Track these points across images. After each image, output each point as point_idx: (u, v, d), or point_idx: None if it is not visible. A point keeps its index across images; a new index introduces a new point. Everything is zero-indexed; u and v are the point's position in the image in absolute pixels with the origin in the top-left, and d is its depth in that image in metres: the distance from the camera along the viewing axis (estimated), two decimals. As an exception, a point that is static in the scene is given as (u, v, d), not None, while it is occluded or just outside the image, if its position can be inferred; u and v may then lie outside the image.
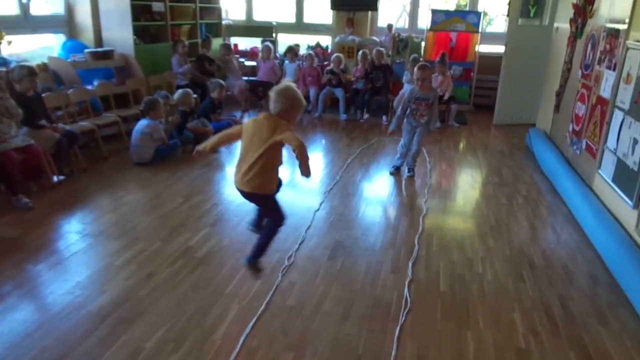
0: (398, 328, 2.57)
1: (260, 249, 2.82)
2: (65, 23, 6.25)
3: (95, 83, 5.72)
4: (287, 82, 2.89)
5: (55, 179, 4.38)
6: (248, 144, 2.63)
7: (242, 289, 2.89)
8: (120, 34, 6.24)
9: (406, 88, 7.03)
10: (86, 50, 5.93)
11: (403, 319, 2.65)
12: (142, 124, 5.02)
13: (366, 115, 7.38)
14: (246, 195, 2.71)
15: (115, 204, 4.04)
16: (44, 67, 5.38)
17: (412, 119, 4.73)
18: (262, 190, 2.67)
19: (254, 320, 2.59)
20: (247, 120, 3.06)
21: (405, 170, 5.00)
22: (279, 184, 2.84)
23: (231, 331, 2.51)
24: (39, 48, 6.12)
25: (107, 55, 6.07)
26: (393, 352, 2.39)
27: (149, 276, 2.98)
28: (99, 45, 6.29)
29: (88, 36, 6.29)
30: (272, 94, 2.64)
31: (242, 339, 2.43)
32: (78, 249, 3.28)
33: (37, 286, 2.87)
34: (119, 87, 5.95)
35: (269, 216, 2.89)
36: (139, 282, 2.91)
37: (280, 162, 2.71)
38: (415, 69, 4.60)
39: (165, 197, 4.23)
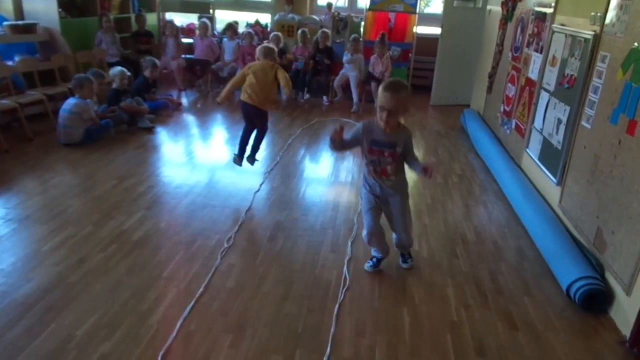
0: (337, 306, 2.60)
1: (256, 148, 4.32)
2: (-19, -8, 5.79)
3: (17, 59, 5.34)
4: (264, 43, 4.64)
5: (-27, 161, 4.09)
6: (256, 79, 4.00)
7: (179, 272, 2.84)
8: (43, 6, 5.86)
9: (346, 68, 7.07)
10: (5, 23, 5.52)
11: (342, 296, 2.70)
12: (70, 102, 4.76)
13: (307, 96, 7.36)
14: (249, 107, 4.08)
15: (42, 187, 3.82)
16: (-43, 40, 4.97)
17: (372, 179, 2.75)
18: (263, 106, 4.11)
19: (192, 303, 2.55)
20: (251, 64, 4.16)
21: (400, 260, 3.10)
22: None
23: (168, 315, 2.45)
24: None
25: (29, 29, 5.68)
26: (332, 330, 2.42)
27: (80, 261, 2.85)
28: (19, 17, 5.86)
29: (6, 8, 5.85)
30: (259, 50, 4.17)
31: (179, 323, 2.39)
32: (0, 235, 3.08)
33: (-45, 276, 2.68)
34: (43, 64, 5.59)
35: (260, 127, 4.26)
36: (69, 267, 2.78)
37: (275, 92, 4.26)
38: (380, 89, 2.50)
39: (97, 179, 4.05)
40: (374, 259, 3.01)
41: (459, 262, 3.15)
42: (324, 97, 7.30)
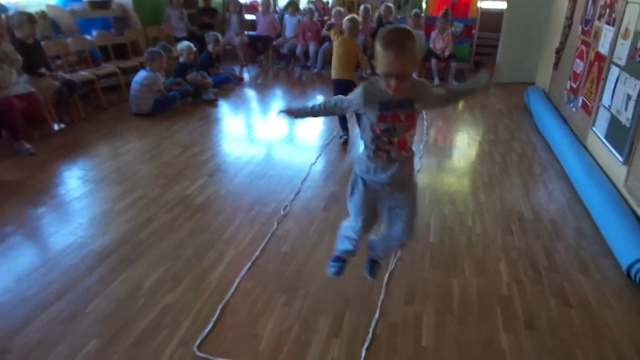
0: (387, 274, 2.67)
1: (344, 121, 4.61)
2: (62, -30, 6.15)
3: (94, 33, 5.69)
4: (352, 15, 4.73)
5: (56, 127, 4.44)
6: (340, 54, 4.40)
7: (238, 235, 2.99)
8: (118, -18, 6.15)
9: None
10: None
11: (393, 266, 2.75)
12: (142, 75, 5.03)
13: (368, 71, 7.32)
14: (339, 81, 4.42)
15: (115, 152, 4.11)
16: (42, 14, 5.33)
17: (381, 161, 2.01)
18: (350, 77, 4.45)
19: (249, 264, 2.70)
20: (335, 41, 4.50)
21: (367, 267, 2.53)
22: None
23: (227, 273, 2.62)
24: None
25: (106, 4, 6.01)
26: (381, 297, 2.49)
27: (148, 221, 3.07)
28: (97, -6, 6.20)
29: (86, -16, 6.20)
30: (345, 21, 4.46)
31: (237, 281, 2.54)
32: (79, 194, 3.37)
33: (40, 227, 2.97)
34: (117, 38, 5.92)
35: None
36: (139, 225, 3.01)
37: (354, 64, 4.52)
38: (378, 45, 1.77)
39: (164, 147, 4.29)
40: (340, 259, 2.37)
41: (513, 239, 3.12)
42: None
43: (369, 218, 2.15)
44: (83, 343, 2.09)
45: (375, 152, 1.99)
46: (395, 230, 2.17)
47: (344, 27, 4.42)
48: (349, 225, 2.24)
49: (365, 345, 2.15)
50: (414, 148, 2.06)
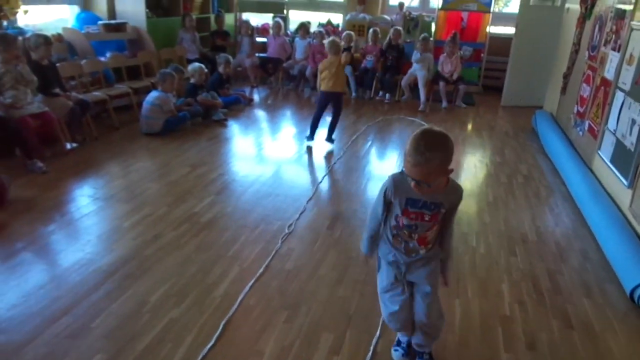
0: (390, 293, 2.68)
1: (332, 128, 5.12)
2: (80, -6, 6.37)
3: (108, 55, 5.84)
4: (331, 37, 5.37)
5: (68, 146, 4.54)
6: (329, 70, 4.86)
7: (243, 253, 3.03)
8: (133, 6, 6.34)
9: (415, 67, 7.07)
10: (99, 22, 6.04)
11: (395, 285, 2.77)
12: (153, 95, 5.15)
13: (388, 96, 7.36)
14: (329, 95, 4.96)
15: (124, 171, 4.19)
16: (59, 37, 5.51)
17: (400, 247, 1.96)
18: (340, 90, 5.01)
19: (252, 281, 2.73)
20: (324, 61, 4.98)
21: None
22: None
23: (231, 290, 2.65)
24: (53, 20, 6.24)
25: (120, 27, 6.17)
26: (382, 316, 2.50)
27: (155, 237, 3.13)
28: (112, 17, 6.39)
29: (101, 8, 6.39)
30: (327, 43, 4.99)
31: (240, 297, 2.57)
32: (89, 211, 3.44)
33: (49, 244, 3.03)
34: (130, 60, 6.07)
35: (336, 108, 5.08)
36: (146, 242, 3.06)
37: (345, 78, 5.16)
38: (408, 145, 1.71)
39: (173, 166, 4.37)
40: (403, 344, 2.21)
41: (516, 260, 3.13)
42: (387, 95, 7.32)
43: (402, 302, 2.01)
44: (88, 357, 2.12)
45: (395, 238, 1.95)
46: (417, 308, 2.02)
47: (326, 49, 4.98)
48: (384, 317, 2.12)
49: (366, 363, 2.17)
50: (438, 247, 1.97)
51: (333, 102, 5.03)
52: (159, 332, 2.29)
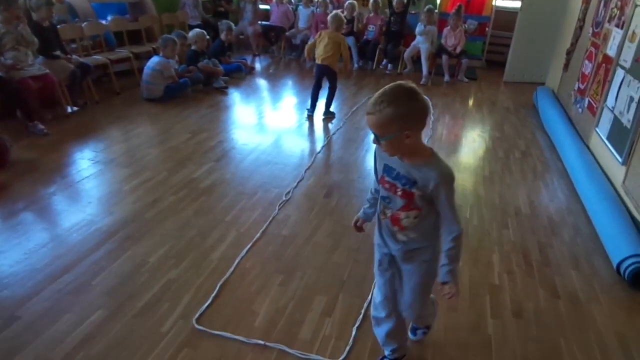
0: (383, 260, 2.75)
1: (329, 102, 5.14)
2: (81, -45, 6.26)
3: (109, 18, 5.79)
4: (335, 12, 5.30)
5: (69, 109, 4.56)
6: (325, 44, 4.83)
7: (240, 218, 3.09)
8: (135, -31, 6.25)
9: (418, 40, 7.02)
10: (100, -16, 5.97)
11: (388, 253, 2.83)
12: (154, 60, 5.13)
13: (390, 65, 7.35)
14: (321, 67, 4.95)
15: (125, 136, 4.22)
16: (59, -2, 5.45)
17: (383, 226, 1.82)
18: (332, 65, 4.95)
19: (249, 245, 2.80)
20: (319, 33, 4.99)
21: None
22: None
23: (228, 253, 2.71)
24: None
25: (121, -10, 6.10)
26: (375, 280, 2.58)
27: (155, 202, 3.18)
28: (113, -21, 6.31)
29: (103, -30, 6.31)
30: (330, 16, 4.95)
31: (237, 260, 2.64)
32: (89, 174, 3.49)
33: (50, 205, 3.09)
34: (132, 24, 6.02)
35: (331, 82, 5.07)
36: (145, 206, 3.12)
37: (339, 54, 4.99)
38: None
39: (173, 132, 4.40)
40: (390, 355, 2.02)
41: (508, 233, 3.19)
42: (389, 65, 7.29)
43: (388, 289, 1.90)
44: (89, 312, 2.20)
45: (382, 212, 1.79)
46: (404, 301, 1.89)
47: (329, 23, 4.92)
48: (375, 302, 1.97)
49: (356, 325, 2.24)
50: (425, 243, 1.75)
51: (327, 76, 5.03)
52: (158, 291, 2.36)
